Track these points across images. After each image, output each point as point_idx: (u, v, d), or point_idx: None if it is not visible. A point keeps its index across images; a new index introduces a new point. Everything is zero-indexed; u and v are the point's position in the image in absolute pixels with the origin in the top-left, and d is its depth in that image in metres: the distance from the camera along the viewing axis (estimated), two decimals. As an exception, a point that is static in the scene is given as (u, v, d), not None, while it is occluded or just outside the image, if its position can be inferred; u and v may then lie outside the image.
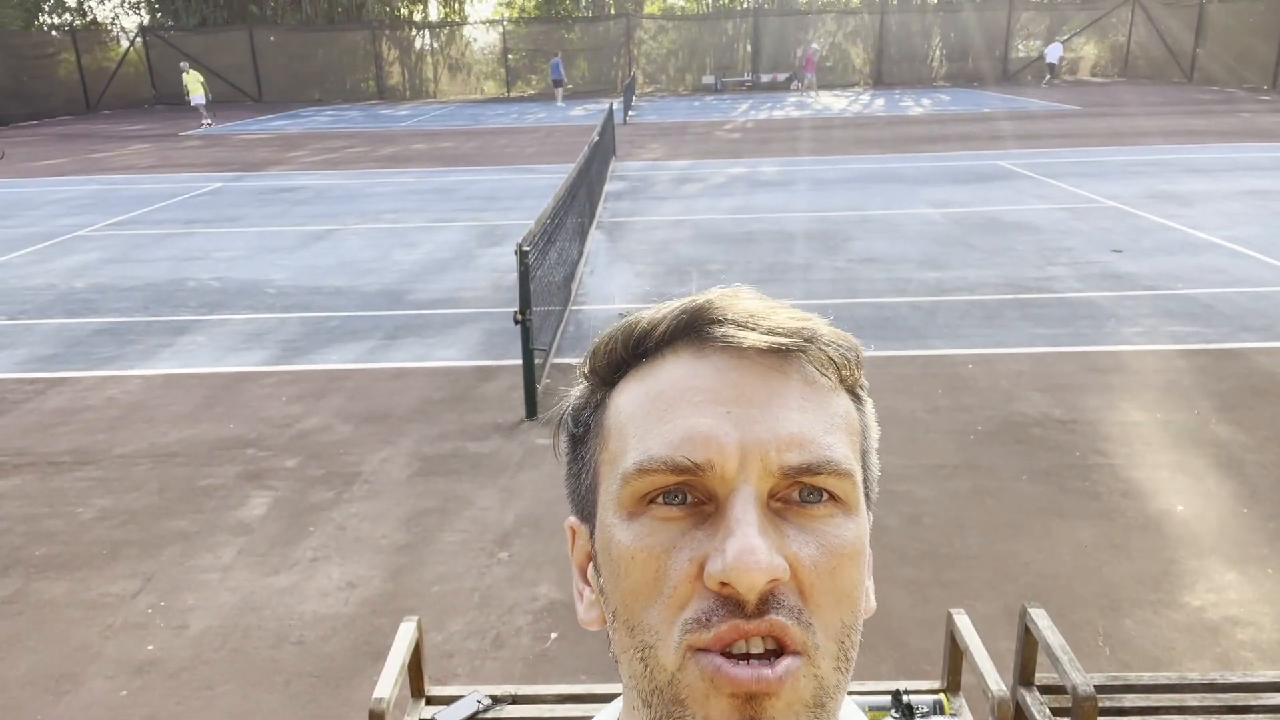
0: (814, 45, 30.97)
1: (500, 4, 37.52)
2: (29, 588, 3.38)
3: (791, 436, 0.48)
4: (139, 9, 33.48)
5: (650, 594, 0.47)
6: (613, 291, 7.11)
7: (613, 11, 33.87)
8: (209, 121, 22.48)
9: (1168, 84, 27.94)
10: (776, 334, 0.49)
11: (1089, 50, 32.84)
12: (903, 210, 9.97)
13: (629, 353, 0.53)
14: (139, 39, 31.00)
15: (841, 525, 0.49)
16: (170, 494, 4.04)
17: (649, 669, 0.48)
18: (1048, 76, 29.25)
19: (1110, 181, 11.21)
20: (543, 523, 3.76)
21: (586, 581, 0.56)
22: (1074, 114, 20.08)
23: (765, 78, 32.15)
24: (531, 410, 4.79)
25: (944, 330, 6.02)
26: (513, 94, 32.28)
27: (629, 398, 0.52)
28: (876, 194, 11.05)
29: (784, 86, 31.83)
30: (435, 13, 36.11)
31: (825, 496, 0.48)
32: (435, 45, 33.95)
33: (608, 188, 11.90)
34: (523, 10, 36.10)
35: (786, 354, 0.50)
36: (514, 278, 5.20)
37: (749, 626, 0.45)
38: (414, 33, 33.61)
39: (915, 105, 24.17)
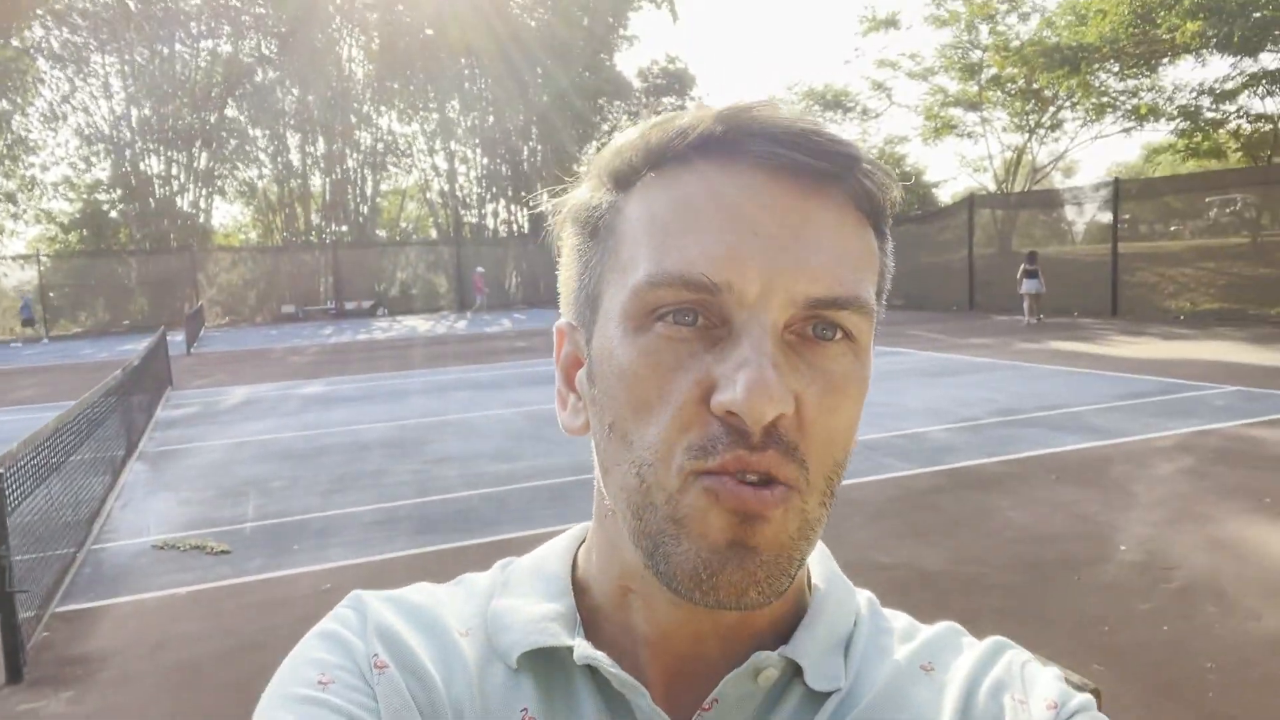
0: (480, 269, 32.40)
1: (37, 239, 33.81)
2: None
3: (821, 267, 0.45)
4: None
5: (651, 411, 0.45)
6: (148, 524, 6.19)
7: (175, 244, 32.12)
8: None
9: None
10: (818, 155, 0.45)
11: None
12: (480, 412, 10.23)
13: (653, 156, 0.48)
14: None
15: (851, 364, 0.47)
16: None
17: (645, 484, 0.46)
18: None
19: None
20: (1, 814, 2.89)
21: (573, 388, 0.53)
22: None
23: (350, 305, 32.27)
24: (15, 671, 3.82)
25: (515, 515, 6.06)
26: (54, 333, 28.60)
27: (648, 204, 0.48)
28: (455, 400, 11.26)
29: (370, 313, 32.14)
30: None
31: (839, 334, 0.46)
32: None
33: (158, 416, 10.72)
34: (65, 244, 32.83)
35: (825, 179, 0.46)
36: (32, 520, 4.30)
37: (753, 459, 0.44)
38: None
39: (495, 324, 25.68)
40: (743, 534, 0.45)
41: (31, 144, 32.19)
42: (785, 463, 0.45)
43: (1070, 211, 24.42)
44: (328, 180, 36.08)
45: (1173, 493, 5.77)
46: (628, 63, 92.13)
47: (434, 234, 39.86)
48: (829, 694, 0.52)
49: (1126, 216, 19.37)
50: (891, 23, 26.97)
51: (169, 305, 29.52)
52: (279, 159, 35.37)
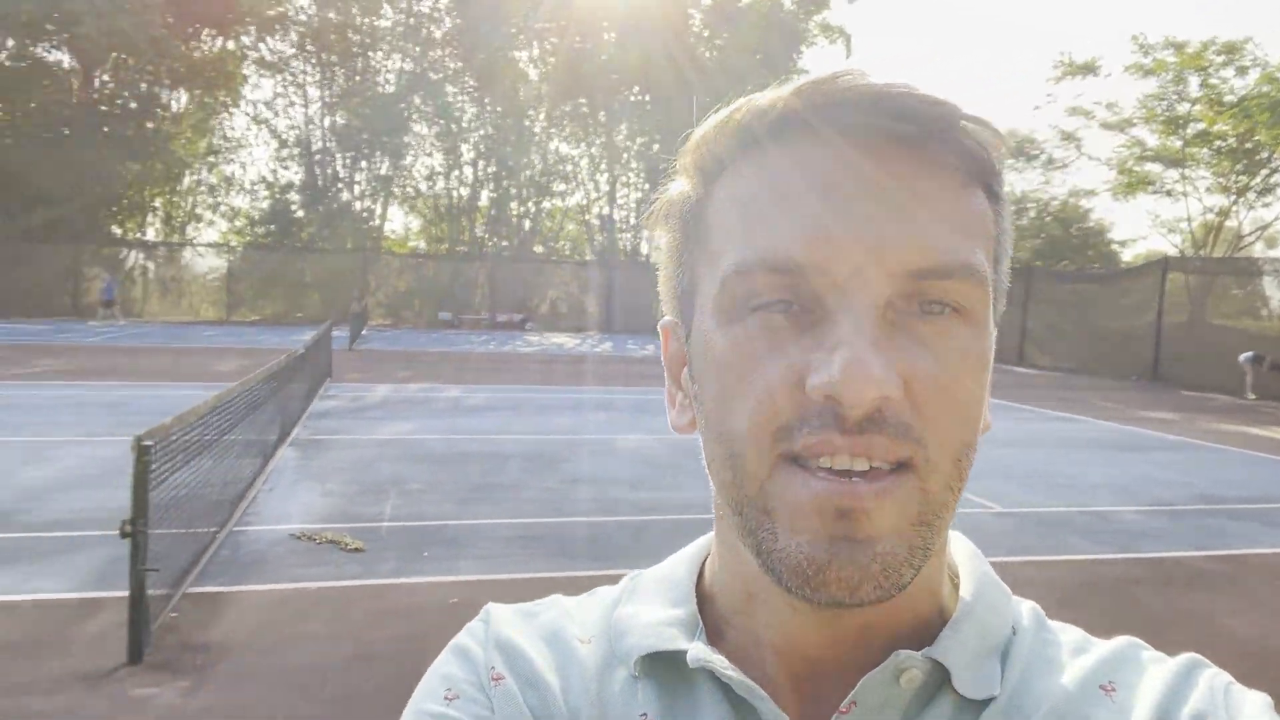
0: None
1: (229, 231, 36.49)
2: None
3: (921, 236, 0.42)
4: None
5: (743, 400, 0.44)
6: (290, 511, 6.19)
7: (350, 246, 33.91)
8: None
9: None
10: (907, 119, 0.43)
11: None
12: (620, 435, 9.96)
13: (737, 141, 0.47)
14: None
15: (966, 338, 0.44)
16: None
17: (738, 477, 0.45)
18: None
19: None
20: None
21: (679, 386, 0.53)
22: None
23: (502, 317, 33.10)
24: (136, 652, 3.73)
25: (650, 549, 5.68)
26: (234, 318, 30.66)
27: (734, 191, 0.47)
28: (595, 420, 11.05)
29: (519, 326, 32.87)
30: (154, 233, 34.34)
31: (949, 310, 0.43)
32: (151, 265, 31.96)
33: (315, 406, 11.02)
34: (256, 237, 35.27)
35: (920, 142, 0.44)
36: (178, 496, 4.31)
37: (841, 441, 0.41)
38: (125, 251, 31.53)
39: (641, 349, 25.63)
40: (844, 529, 0.42)
41: (235, 142, 34.99)
42: (895, 445, 0.42)
43: (1269, 285, 22.19)
44: (495, 195, 37.30)
45: None
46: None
47: (589, 255, 40.45)
48: (983, 705, 0.47)
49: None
50: (1090, 69, 25.38)
51: (338, 302, 31.07)
52: (452, 173, 36.89)
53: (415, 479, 7.35)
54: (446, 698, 0.52)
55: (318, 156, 34.55)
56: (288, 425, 8.84)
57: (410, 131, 35.22)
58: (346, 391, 12.87)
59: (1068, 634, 0.53)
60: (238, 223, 35.89)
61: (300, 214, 34.93)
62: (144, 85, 30.84)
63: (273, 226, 34.40)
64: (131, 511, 3.79)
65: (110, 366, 14.99)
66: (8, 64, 29.17)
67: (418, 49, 34.94)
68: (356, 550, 5.36)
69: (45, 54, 29.95)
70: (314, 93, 34.60)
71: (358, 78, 34.61)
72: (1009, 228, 0.49)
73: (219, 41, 32.41)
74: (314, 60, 33.96)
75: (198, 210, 35.47)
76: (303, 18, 33.29)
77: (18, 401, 10.73)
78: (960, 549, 0.55)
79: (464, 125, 36.11)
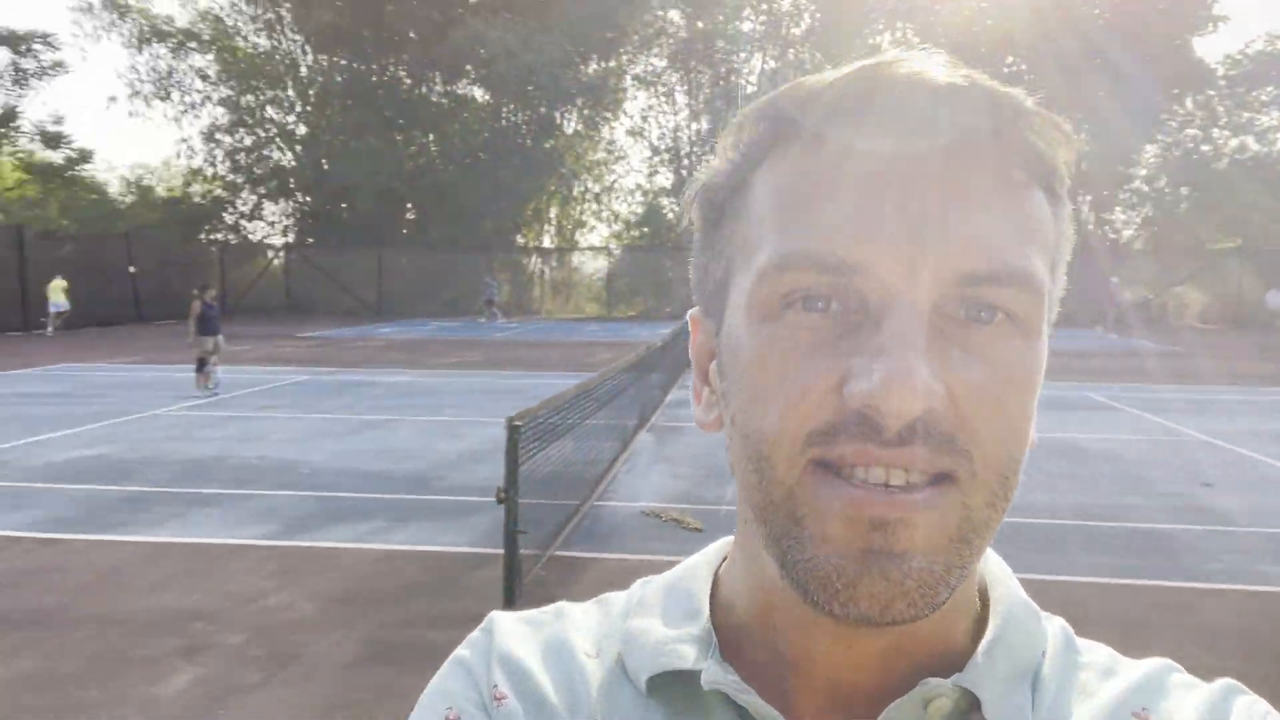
0: (1114, 280, 26.59)
1: (610, 235, 40.07)
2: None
3: (975, 238, 0.40)
4: (287, 232, 37.29)
5: (774, 401, 0.42)
6: (643, 490, 6.79)
7: (713, 243, 35.63)
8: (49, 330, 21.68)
9: (1286, 330, 26.79)
10: (967, 112, 0.41)
11: (1194, 297, 32.02)
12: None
13: (782, 124, 0.44)
14: (282, 254, 34.30)
15: (1018, 349, 0.42)
16: (98, 662, 3.77)
17: (764, 481, 0.43)
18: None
19: (1207, 418, 10.43)
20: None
21: (706, 381, 0.51)
22: (1177, 355, 19.31)
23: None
24: (509, 601, 4.39)
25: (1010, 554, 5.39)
26: (613, 314, 33.68)
27: (776, 178, 0.44)
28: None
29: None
30: (549, 240, 38.84)
31: (1000, 316, 0.41)
32: (546, 269, 36.19)
33: (672, 395, 11.84)
34: (632, 240, 38.42)
35: (980, 137, 0.41)
36: (550, 471, 5.04)
37: (881, 453, 0.39)
38: (528, 258, 36.04)
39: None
40: (879, 542, 0.40)
41: (616, 154, 38.39)
42: (937, 456, 0.40)
43: None
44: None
45: None
46: (1211, 48, 77.71)
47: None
48: None
49: None
50: None
51: (703, 298, 32.74)
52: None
53: (758, 467, 7.64)
54: (448, 717, 0.51)
55: (685, 160, 36.68)
56: (647, 412, 9.62)
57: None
58: (704, 382, 13.61)
59: (1096, 654, 0.51)
60: (616, 226, 39.35)
61: (670, 215, 37.36)
62: (543, 109, 34.94)
63: (646, 229, 37.20)
64: (505, 481, 4.45)
65: (511, 358, 17.32)
66: (437, 101, 34.85)
67: (777, 48, 35.60)
68: (696, 530, 5.74)
69: (465, 90, 35.31)
70: (681, 100, 36.81)
71: (721, 82, 36.12)
72: (1069, 232, 0.46)
73: (603, 63, 35.72)
74: (682, 69, 36.08)
75: (583, 217, 39.50)
76: (671, 30, 35.55)
77: (439, 387, 12.87)
78: (991, 565, 0.52)
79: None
